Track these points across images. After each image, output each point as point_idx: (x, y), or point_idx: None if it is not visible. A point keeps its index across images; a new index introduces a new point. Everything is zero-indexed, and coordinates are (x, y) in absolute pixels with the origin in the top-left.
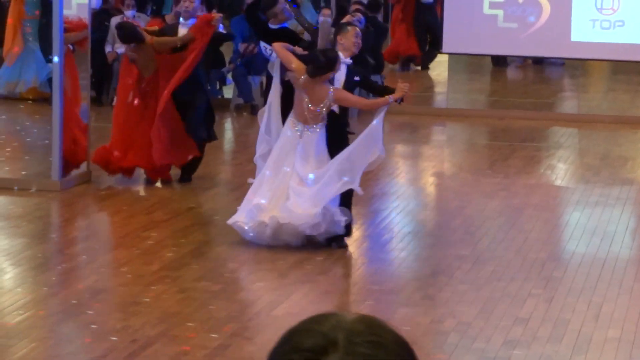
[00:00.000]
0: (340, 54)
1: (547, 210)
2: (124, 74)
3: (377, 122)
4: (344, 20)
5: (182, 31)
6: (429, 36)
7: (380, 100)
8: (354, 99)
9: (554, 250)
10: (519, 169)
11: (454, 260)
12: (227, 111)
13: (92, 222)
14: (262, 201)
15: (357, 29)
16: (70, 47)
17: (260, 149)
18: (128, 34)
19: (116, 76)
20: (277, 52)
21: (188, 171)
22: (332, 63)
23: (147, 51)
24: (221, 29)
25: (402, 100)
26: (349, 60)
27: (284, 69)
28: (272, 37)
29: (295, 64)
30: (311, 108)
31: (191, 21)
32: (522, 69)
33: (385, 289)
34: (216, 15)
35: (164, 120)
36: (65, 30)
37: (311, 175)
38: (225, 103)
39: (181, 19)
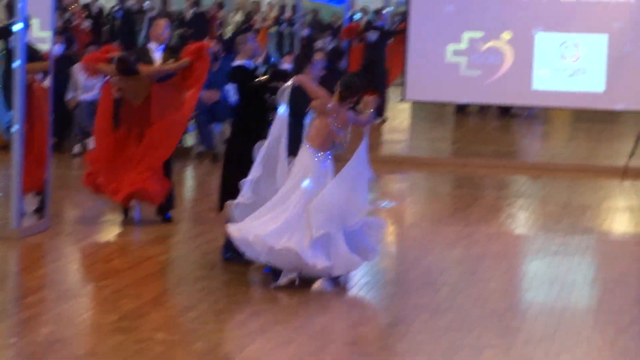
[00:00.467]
0: None
1: (507, 259)
2: (103, 104)
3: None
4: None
5: (157, 56)
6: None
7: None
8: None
9: (513, 300)
10: (480, 218)
11: (412, 310)
12: (189, 159)
13: (50, 270)
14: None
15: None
16: (40, 76)
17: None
18: (130, 67)
19: (77, 123)
20: (303, 83)
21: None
22: (366, 85)
23: (141, 81)
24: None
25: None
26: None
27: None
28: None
29: (321, 91)
30: (340, 134)
31: (161, 47)
32: (484, 117)
33: (344, 339)
34: (209, 43)
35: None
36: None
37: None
38: (187, 151)
39: (153, 44)
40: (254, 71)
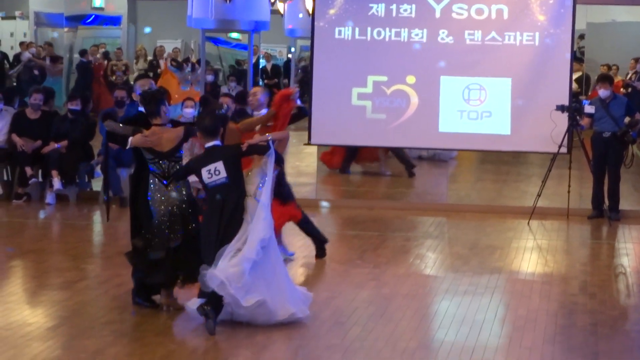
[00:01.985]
0: None
1: (417, 299)
2: None
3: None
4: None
5: None
6: None
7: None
8: None
9: (424, 339)
10: (388, 259)
11: (323, 351)
12: (96, 204)
13: None
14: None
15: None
16: None
17: None
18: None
19: None
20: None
21: None
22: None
23: (233, 135)
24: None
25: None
26: None
27: None
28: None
29: None
30: None
31: (263, 111)
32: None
33: None
34: (294, 89)
35: None
36: None
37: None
38: (95, 195)
39: (254, 112)
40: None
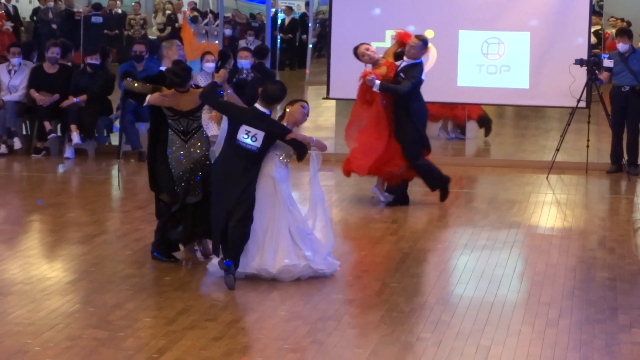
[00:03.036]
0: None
1: (435, 253)
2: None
3: None
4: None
5: None
6: None
7: None
8: None
9: (442, 294)
10: (407, 214)
11: (342, 305)
12: (115, 158)
13: None
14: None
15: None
16: None
17: None
18: None
19: (2, 123)
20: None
21: None
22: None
23: None
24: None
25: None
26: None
27: None
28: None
29: None
30: None
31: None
32: None
33: (274, 334)
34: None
35: None
36: None
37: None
38: (113, 150)
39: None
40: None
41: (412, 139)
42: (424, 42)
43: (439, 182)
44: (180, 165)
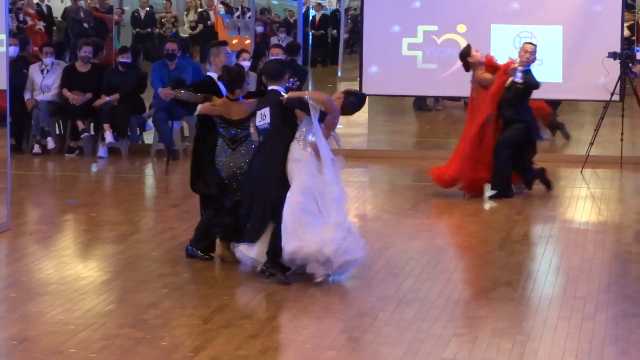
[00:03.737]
0: None
1: (470, 249)
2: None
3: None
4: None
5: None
6: None
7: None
8: None
9: (478, 290)
10: (441, 209)
11: (377, 302)
12: (148, 157)
13: (14, 270)
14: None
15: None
16: None
17: None
18: None
19: (36, 123)
20: (321, 98)
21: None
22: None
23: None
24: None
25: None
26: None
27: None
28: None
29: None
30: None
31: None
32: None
33: (309, 332)
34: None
35: None
36: None
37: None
38: (146, 148)
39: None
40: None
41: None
42: (535, 47)
43: (502, 186)
44: (227, 170)
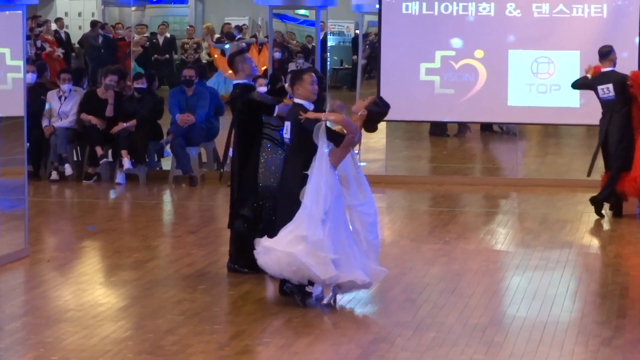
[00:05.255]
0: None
1: (487, 275)
2: None
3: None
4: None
5: None
6: None
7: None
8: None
9: (495, 315)
10: (458, 235)
11: (395, 328)
12: (166, 183)
13: (31, 297)
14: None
15: (313, 75)
16: None
17: None
18: None
19: (53, 150)
20: (338, 119)
21: None
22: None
23: None
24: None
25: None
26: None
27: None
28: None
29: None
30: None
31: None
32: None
33: (327, 357)
34: None
35: None
36: None
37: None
38: (164, 175)
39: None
40: (252, 89)
41: None
42: None
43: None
44: (268, 177)
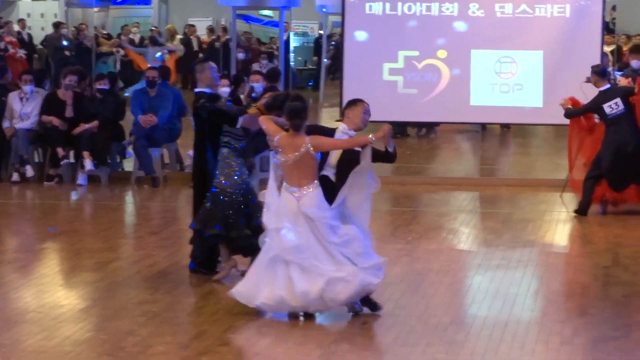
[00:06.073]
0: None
1: (450, 274)
2: None
3: (364, 163)
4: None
5: None
6: None
7: (360, 137)
8: (332, 141)
9: (457, 314)
10: (421, 234)
11: (356, 327)
12: (128, 184)
13: None
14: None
15: (366, 106)
16: None
17: None
18: None
19: (15, 151)
20: (263, 123)
21: None
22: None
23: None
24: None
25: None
26: (352, 133)
27: None
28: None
29: (272, 127)
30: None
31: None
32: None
33: (287, 358)
34: None
35: None
36: None
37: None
38: (126, 176)
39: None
40: (216, 98)
41: None
42: None
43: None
44: (225, 184)
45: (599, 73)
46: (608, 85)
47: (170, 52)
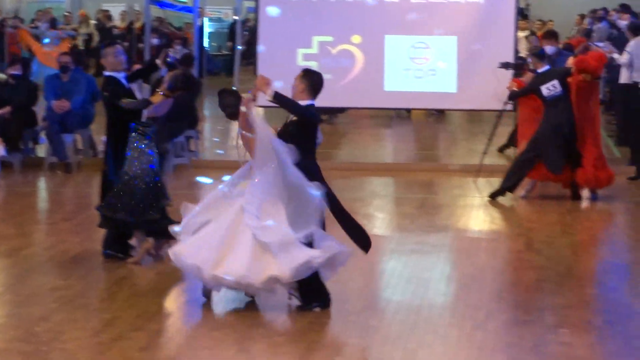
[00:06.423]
0: None
1: (363, 259)
2: None
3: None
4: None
5: None
6: None
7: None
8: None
9: (371, 299)
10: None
11: (271, 311)
12: (41, 170)
13: None
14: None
15: None
16: None
17: None
18: None
19: None
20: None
21: None
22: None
23: None
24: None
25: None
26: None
27: None
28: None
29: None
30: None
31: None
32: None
33: (202, 343)
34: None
35: None
36: None
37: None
38: (39, 162)
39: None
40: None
41: None
42: None
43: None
44: (142, 169)
45: (538, 55)
46: (547, 67)
47: (70, 36)
